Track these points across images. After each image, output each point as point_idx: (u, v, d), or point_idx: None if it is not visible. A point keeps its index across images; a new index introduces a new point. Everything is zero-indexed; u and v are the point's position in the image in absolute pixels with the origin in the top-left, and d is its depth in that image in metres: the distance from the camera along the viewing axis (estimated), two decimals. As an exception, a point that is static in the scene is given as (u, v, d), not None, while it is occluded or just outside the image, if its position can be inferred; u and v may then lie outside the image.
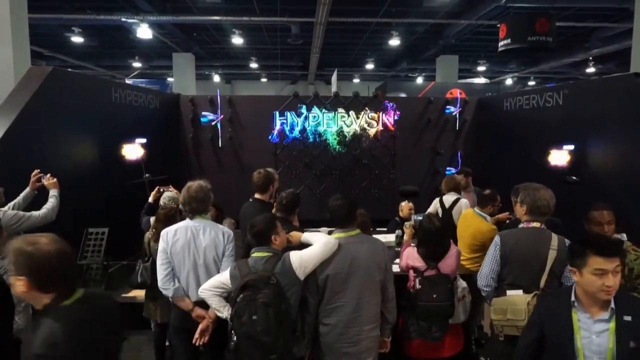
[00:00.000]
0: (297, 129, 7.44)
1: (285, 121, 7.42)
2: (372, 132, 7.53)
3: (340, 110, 7.52)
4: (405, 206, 4.92)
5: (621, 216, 4.42)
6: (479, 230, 3.85)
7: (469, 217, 4.09)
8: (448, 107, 7.96)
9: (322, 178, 7.72)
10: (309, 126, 7.47)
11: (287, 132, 7.44)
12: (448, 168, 7.89)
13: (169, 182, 5.07)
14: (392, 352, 2.81)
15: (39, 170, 3.64)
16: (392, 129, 7.51)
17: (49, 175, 3.64)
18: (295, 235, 2.69)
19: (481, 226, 3.87)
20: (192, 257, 2.72)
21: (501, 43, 8.34)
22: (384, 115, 7.53)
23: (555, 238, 2.64)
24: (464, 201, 4.79)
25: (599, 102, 5.18)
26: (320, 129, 7.51)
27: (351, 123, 7.54)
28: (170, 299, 2.81)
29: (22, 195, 3.56)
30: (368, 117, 7.53)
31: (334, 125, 7.52)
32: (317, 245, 2.43)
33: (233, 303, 2.29)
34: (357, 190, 7.61)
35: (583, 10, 10.55)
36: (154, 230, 3.53)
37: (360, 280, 2.46)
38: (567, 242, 2.67)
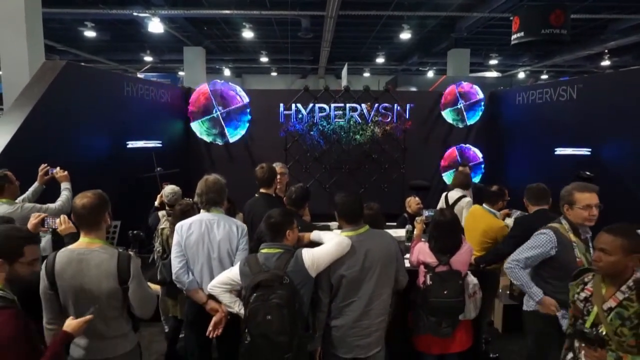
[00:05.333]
0: (306, 122, 7.46)
1: (293, 114, 7.45)
2: (382, 127, 7.51)
3: (351, 104, 7.52)
4: (412, 201, 4.87)
5: (637, 213, 4.37)
6: (491, 228, 3.80)
7: (479, 214, 4.02)
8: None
9: (332, 172, 7.71)
10: (316, 118, 7.48)
11: (295, 125, 7.47)
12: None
13: (180, 175, 5.11)
14: (401, 346, 2.82)
15: (46, 164, 3.69)
16: (408, 125, 7.49)
17: (58, 168, 3.69)
18: (304, 235, 2.68)
19: (493, 223, 3.83)
20: (206, 250, 2.75)
21: (514, 36, 8.23)
22: (397, 107, 7.52)
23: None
24: (466, 199, 4.68)
25: (614, 96, 5.09)
26: (330, 122, 7.51)
27: (362, 117, 7.53)
28: (184, 292, 2.84)
29: (31, 189, 3.63)
30: (380, 109, 7.52)
31: (344, 119, 7.52)
32: (330, 243, 2.42)
33: (246, 303, 2.29)
34: (367, 184, 7.60)
35: (599, 2, 10.34)
36: (171, 226, 3.55)
37: (374, 277, 2.46)
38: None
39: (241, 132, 7.64)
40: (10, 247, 1.88)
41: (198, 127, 7.56)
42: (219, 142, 7.62)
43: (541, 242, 2.72)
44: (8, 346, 1.71)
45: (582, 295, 2.14)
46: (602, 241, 2.04)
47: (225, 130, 7.58)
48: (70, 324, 2.02)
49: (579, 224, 2.67)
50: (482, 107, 7.97)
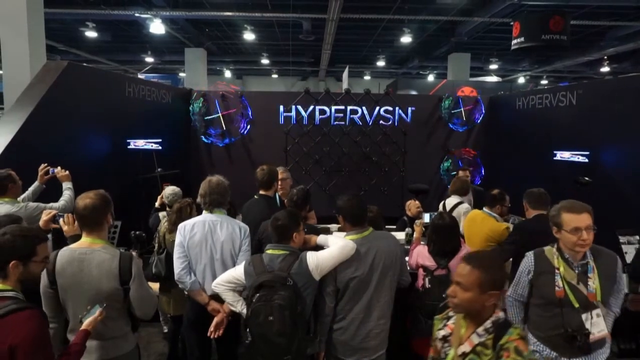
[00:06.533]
0: (305, 123, 7.49)
1: (293, 116, 7.47)
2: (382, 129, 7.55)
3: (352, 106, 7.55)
4: (412, 204, 4.88)
5: (634, 219, 4.40)
6: (494, 231, 3.81)
7: (480, 219, 4.03)
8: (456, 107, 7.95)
9: (332, 175, 7.73)
10: (316, 121, 7.52)
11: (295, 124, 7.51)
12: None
13: (181, 176, 5.12)
14: (399, 349, 2.83)
15: (46, 164, 3.71)
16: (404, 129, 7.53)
17: (59, 167, 3.70)
18: (311, 237, 2.70)
19: (495, 227, 3.83)
20: (209, 251, 2.76)
21: (514, 41, 8.28)
22: (398, 111, 7.56)
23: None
24: (464, 206, 4.65)
25: (613, 102, 5.12)
26: (330, 125, 7.54)
27: (363, 120, 7.56)
28: (185, 292, 2.86)
29: (31, 189, 3.66)
30: (382, 113, 7.56)
31: (344, 121, 7.55)
32: (334, 247, 2.43)
33: (249, 302, 2.31)
34: (367, 187, 7.62)
35: (598, 8, 10.40)
36: (169, 222, 3.57)
37: (378, 280, 2.48)
38: None
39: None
40: (26, 247, 1.89)
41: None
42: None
43: (520, 266, 2.45)
44: (34, 348, 1.70)
45: (442, 333, 1.86)
46: (459, 273, 1.72)
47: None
48: (86, 322, 2.03)
49: (569, 250, 2.25)
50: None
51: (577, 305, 2.21)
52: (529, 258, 2.41)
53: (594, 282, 2.22)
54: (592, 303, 2.21)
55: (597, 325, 2.21)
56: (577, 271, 2.25)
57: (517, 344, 1.60)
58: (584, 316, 2.20)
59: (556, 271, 2.26)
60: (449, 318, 1.86)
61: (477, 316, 1.70)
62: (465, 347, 1.69)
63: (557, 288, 2.24)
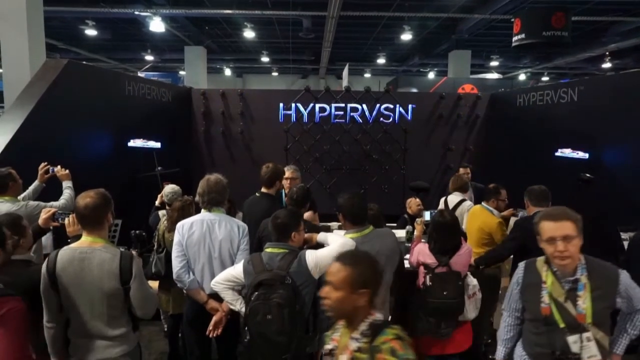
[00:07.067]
0: (305, 121, 7.47)
1: (293, 114, 7.45)
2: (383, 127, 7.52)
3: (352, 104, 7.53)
4: (412, 202, 4.89)
5: (637, 216, 4.38)
6: (486, 224, 3.90)
7: (477, 212, 4.14)
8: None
9: (332, 173, 7.72)
10: (316, 119, 7.50)
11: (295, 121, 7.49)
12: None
13: (181, 175, 5.12)
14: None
15: (46, 163, 3.70)
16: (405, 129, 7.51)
17: (59, 166, 3.70)
18: (312, 236, 2.69)
19: (487, 219, 3.92)
20: (208, 250, 2.76)
21: (515, 38, 8.25)
22: (399, 108, 7.53)
23: None
24: (467, 203, 4.70)
25: (615, 98, 5.10)
26: (330, 123, 7.52)
27: (363, 118, 7.53)
28: (184, 291, 2.85)
29: (31, 187, 3.65)
30: (382, 110, 7.53)
31: (345, 119, 7.53)
32: (333, 245, 2.43)
33: (247, 301, 2.30)
34: (367, 185, 7.60)
35: (601, 4, 10.36)
36: (169, 220, 3.56)
37: None
38: None
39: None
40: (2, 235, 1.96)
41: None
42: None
43: (512, 277, 2.27)
44: (7, 326, 1.73)
45: (328, 347, 1.73)
46: (330, 272, 1.64)
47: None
48: None
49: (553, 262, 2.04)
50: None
51: (562, 326, 1.98)
52: (520, 268, 2.21)
53: (584, 302, 1.97)
54: (582, 325, 1.97)
55: (588, 349, 1.97)
56: (566, 287, 2.00)
57: (392, 345, 1.50)
58: (572, 338, 1.97)
59: (543, 285, 2.04)
60: (335, 332, 1.75)
61: (353, 319, 1.60)
62: (345, 356, 1.58)
63: (542, 304, 2.02)
